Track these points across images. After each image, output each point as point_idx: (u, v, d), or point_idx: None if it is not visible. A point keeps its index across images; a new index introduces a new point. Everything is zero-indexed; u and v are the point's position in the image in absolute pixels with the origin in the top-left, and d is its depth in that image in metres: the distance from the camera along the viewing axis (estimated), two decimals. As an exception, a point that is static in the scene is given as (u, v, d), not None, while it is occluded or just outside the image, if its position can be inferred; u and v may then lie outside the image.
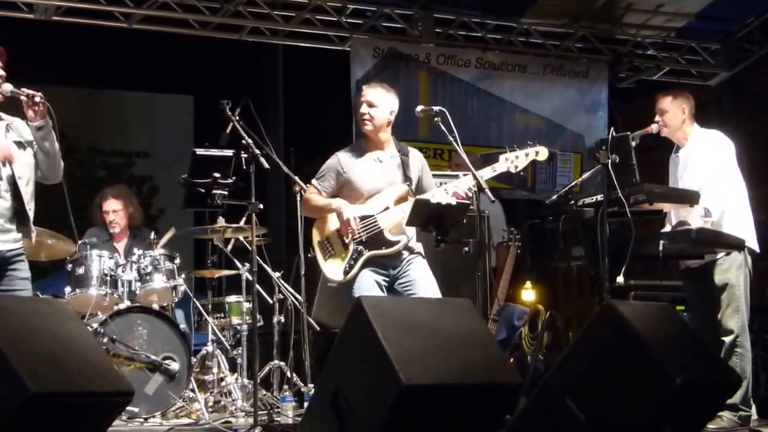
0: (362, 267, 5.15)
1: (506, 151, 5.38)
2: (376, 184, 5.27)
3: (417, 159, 5.42)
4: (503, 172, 5.38)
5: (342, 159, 5.32)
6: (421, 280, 5.20)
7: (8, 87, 4.81)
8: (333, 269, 5.23)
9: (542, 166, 9.63)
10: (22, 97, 4.81)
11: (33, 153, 4.90)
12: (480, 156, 8.07)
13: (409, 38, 9.26)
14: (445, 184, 5.31)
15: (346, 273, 5.17)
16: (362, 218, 5.20)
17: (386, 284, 5.21)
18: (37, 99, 4.78)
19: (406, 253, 5.23)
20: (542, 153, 5.42)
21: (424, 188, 5.35)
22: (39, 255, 6.46)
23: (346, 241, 5.19)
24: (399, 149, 5.38)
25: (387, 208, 5.21)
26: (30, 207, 4.88)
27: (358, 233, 5.16)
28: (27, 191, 4.86)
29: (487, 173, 5.29)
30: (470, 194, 5.16)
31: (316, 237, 5.34)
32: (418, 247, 5.31)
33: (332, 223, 5.28)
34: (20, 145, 4.86)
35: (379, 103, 5.27)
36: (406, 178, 5.30)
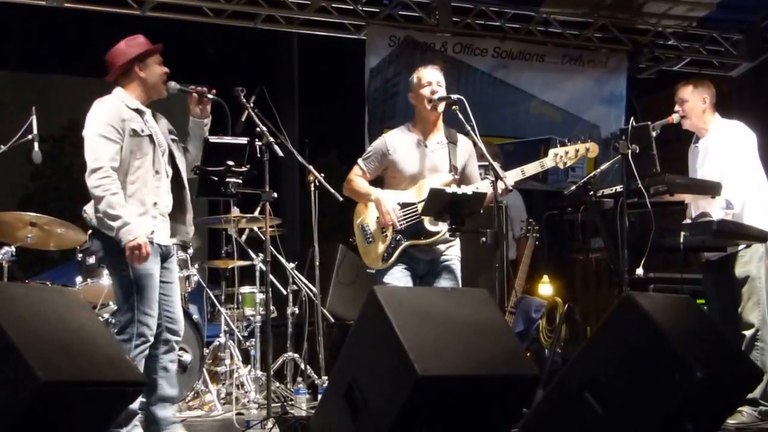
0: (400, 257, 5.09)
1: (556, 146, 5.27)
2: (419, 168, 5.20)
3: (465, 147, 5.30)
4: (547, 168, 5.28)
5: (388, 140, 5.29)
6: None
7: (175, 85, 4.82)
8: (371, 255, 5.17)
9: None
10: (194, 95, 4.83)
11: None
12: (497, 146, 7.98)
13: (426, 27, 9.18)
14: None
15: (384, 260, 5.11)
16: (403, 206, 5.13)
17: (418, 280, 5.15)
18: (210, 96, 4.79)
19: (442, 248, 5.15)
20: (593, 149, 5.31)
21: (467, 178, 5.27)
22: (48, 244, 6.46)
23: (385, 229, 5.14)
24: (447, 136, 5.29)
25: None
26: (185, 210, 4.91)
27: (399, 223, 5.10)
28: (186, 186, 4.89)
29: (533, 168, 5.20)
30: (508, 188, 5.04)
31: (357, 219, 5.28)
32: (456, 246, 5.23)
33: (373, 209, 5.21)
34: (176, 141, 4.88)
35: (444, 84, 5.23)
36: (452, 168, 5.21)
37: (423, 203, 5.01)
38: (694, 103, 5.70)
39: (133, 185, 4.62)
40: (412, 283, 5.12)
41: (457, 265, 5.19)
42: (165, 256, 4.78)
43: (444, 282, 5.13)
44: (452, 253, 5.18)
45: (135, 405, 4.63)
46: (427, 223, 5.09)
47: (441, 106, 5.17)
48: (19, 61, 16.48)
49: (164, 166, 4.74)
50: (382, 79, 8.90)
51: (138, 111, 4.72)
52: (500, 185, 5.00)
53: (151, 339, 4.65)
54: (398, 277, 5.08)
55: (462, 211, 4.97)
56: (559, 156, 5.25)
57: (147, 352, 4.66)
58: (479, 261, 6.00)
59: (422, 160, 5.21)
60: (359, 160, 5.31)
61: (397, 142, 5.25)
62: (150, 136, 4.69)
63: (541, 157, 9.24)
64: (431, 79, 5.19)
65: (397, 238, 5.10)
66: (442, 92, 5.17)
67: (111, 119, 4.62)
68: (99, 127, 4.62)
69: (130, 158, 4.62)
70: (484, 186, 5.12)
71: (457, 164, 5.21)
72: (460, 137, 5.30)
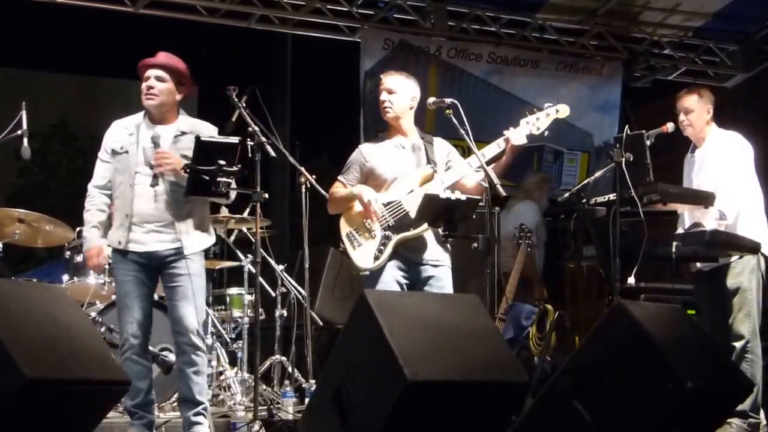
0: (392, 253, 5.03)
1: (526, 115, 5.23)
2: (399, 170, 5.18)
3: (442, 146, 5.31)
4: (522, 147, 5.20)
5: (364, 149, 5.30)
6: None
7: None
8: (362, 257, 5.09)
9: (548, 165, 9.52)
10: None
11: None
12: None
13: (421, 30, 9.15)
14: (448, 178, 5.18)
15: (376, 258, 5.05)
16: (387, 204, 5.09)
17: (407, 285, 5.10)
18: None
19: (433, 254, 5.11)
20: (563, 110, 5.25)
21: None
22: (36, 241, 6.42)
23: (372, 227, 5.08)
24: (422, 137, 5.30)
25: (412, 191, 5.09)
26: (179, 217, 4.97)
27: (384, 217, 5.06)
28: (176, 199, 4.95)
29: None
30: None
31: (343, 229, 5.22)
32: (447, 254, 5.18)
33: (357, 212, 5.17)
34: (186, 157, 4.93)
35: (399, 90, 5.22)
36: (429, 161, 5.19)
37: (417, 206, 4.96)
38: (700, 113, 5.67)
39: (118, 200, 5.01)
40: (402, 286, 5.06)
41: (447, 273, 5.16)
42: (155, 262, 4.96)
43: (433, 290, 5.08)
44: (443, 261, 5.15)
45: (139, 399, 4.91)
46: (414, 214, 5.05)
47: (389, 113, 5.19)
48: (9, 57, 16.46)
49: (140, 177, 4.93)
50: (376, 81, 8.85)
51: (127, 128, 5.05)
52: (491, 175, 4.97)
53: (132, 341, 4.93)
54: (388, 282, 5.02)
55: (456, 217, 4.95)
56: (530, 123, 5.19)
57: (128, 355, 4.92)
58: (470, 267, 5.97)
59: (400, 162, 5.20)
60: (339, 177, 5.30)
61: (373, 150, 5.27)
62: (127, 152, 4.98)
63: (534, 163, 9.24)
64: (383, 87, 5.25)
65: (387, 234, 5.06)
66: (389, 100, 5.19)
67: (104, 141, 5.11)
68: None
69: (115, 175, 5.02)
70: (470, 169, 5.10)
71: (435, 159, 5.20)
72: (436, 139, 5.33)
